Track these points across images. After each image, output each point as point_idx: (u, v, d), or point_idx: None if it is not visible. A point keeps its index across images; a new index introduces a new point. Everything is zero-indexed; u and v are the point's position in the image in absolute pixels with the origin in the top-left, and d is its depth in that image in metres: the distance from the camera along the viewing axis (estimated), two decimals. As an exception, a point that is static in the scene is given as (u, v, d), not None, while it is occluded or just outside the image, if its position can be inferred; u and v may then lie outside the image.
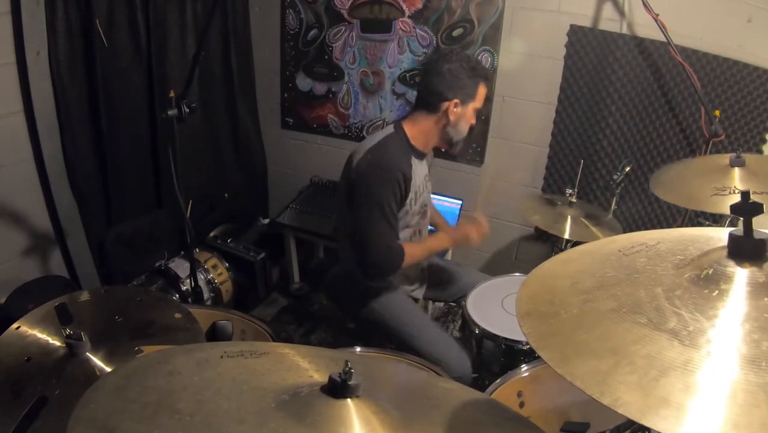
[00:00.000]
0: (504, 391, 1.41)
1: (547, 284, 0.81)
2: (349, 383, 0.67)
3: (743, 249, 0.69)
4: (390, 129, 1.84)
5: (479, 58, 2.70)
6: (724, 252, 0.71)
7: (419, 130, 1.81)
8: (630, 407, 0.55)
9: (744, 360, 0.58)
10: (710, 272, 0.69)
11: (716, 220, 2.17)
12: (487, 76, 1.84)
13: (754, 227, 0.69)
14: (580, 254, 0.88)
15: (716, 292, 0.66)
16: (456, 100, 1.74)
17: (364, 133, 3.13)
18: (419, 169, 1.84)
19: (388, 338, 1.85)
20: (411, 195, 1.79)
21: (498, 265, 3.02)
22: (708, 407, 0.55)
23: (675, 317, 0.65)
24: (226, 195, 3.31)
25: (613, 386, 0.58)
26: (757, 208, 0.68)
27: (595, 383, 0.59)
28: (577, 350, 0.65)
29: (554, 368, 0.63)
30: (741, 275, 0.67)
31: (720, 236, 0.79)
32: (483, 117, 2.81)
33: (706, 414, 0.54)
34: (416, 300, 2.07)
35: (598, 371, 0.61)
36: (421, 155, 1.85)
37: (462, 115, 1.77)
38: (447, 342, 1.84)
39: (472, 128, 1.86)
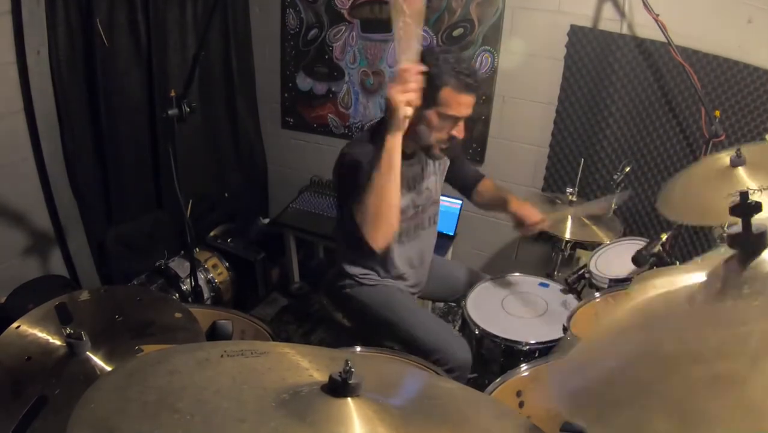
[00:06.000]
0: (504, 391, 1.41)
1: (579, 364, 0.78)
2: (350, 382, 0.67)
3: (745, 248, 0.69)
4: (367, 131, 1.84)
5: (479, 58, 2.70)
6: (723, 268, 0.71)
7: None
8: None
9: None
10: (718, 287, 0.68)
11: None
12: (462, 86, 1.60)
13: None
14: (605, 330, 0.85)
15: (729, 302, 0.66)
16: None
17: (364, 133, 3.14)
18: (403, 168, 1.69)
19: (387, 332, 1.85)
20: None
21: (498, 265, 3.03)
22: (745, 409, 0.53)
23: (695, 339, 0.63)
24: (226, 195, 3.32)
25: (648, 426, 0.57)
26: (756, 209, 0.68)
27: (632, 428, 0.59)
28: (608, 404, 0.64)
29: (593, 428, 0.62)
30: (747, 276, 0.67)
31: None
32: (483, 117, 2.81)
33: (746, 416, 0.53)
34: (413, 292, 2.06)
35: (631, 417, 0.60)
36: (404, 155, 1.66)
37: (423, 118, 1.63)
38: (445, 330, 1.84)
39: (452, 138, 1.68)
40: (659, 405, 0.59)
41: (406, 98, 1.42)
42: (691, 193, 1.58)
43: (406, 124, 1.48)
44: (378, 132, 1.71)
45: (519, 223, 1.88)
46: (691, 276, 0.80)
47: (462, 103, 1.63)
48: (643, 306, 0.80)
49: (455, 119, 1.66)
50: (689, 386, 0.58)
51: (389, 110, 1.45)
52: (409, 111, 1.45)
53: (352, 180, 1.63)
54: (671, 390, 0.59)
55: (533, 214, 1.85)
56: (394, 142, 1.49)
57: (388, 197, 1.54)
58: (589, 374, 0.72)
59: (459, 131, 1.68)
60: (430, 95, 1.60)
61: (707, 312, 0.67)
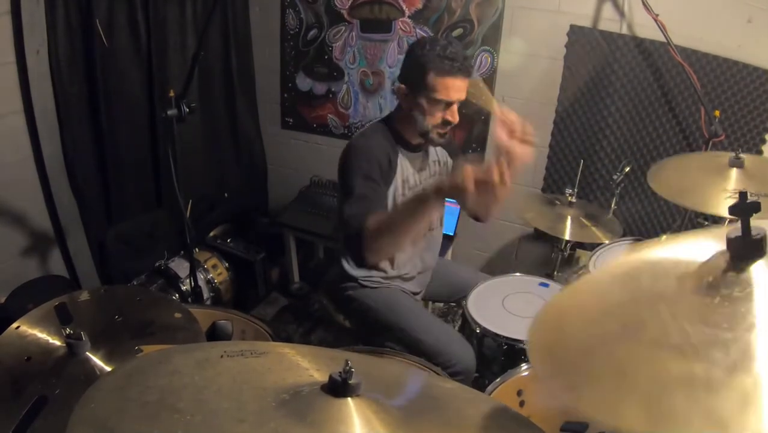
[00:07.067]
0: (504, 390, 1.41)
1: (557, 315, 0.81)
2: (350, 382, 0.67)
3: (742, 250, 0.68)
4: (378, 120, 1.85)
5: (479, 58, 2.70)
6: (725, 256, 0.70)
7: (402, 121, 1.78)
8: (635, 428, 0.56)
9: (750, 363, 0.57)
10: (710, 279, 0.68)
11: (716, 220, 2.17)
12: (446, 69, 1.60)
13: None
14: (589, 282, 0.89)
15: (717, 299, 0.65)
16: (402, 86, 1.70)
17: (364, 133, 3.14)
18: (409, 162, 1.80)
19: (390, 335, 1.84)
20: (397, 183, 1.75)
21: (498, 265, 3.03)
22: (712, 417, 0.54)
23: (678, 332, 0.64)
24: (225, 195, 3.31)
25: (617, 408, 0.58)
26: (755, 208, 0.68)
27: (602, 407, 0.60)
28: (584, 377, 0.66)
29: (564, 396, 0.64)
30: (741, 278, 0.67)
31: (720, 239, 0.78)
32: (483, 117, 2.81)
33: (711, 424, 0.54)
34: (416, 293, 2.05)
35: (604, 396, 0.61)
36: (410, 147, 1.80)
37: (415, 104, 1.67)
38: (450, 335, 1.83)
39: (447, 123, 1.68)
40: (633, 392, 0.60)
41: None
42: (683, 176, 1.63)
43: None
44: (390, 129, 1.76)
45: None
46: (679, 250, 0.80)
47: (449, 87, 1.63)
48: (631, 274, 0.81)
49: (445, 103, 1.66)
50: (665, 381, 0.59)
51: (457, 187, 1.30)
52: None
53: (359, 168, 1.62)
54: (648, 380, 0.60)
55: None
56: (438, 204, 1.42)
57: (411, 236, 1.54)
58: (570, 337, 0.73)
59: (453, 116, 1.69)
60: (417, 81, 1.65)
61: (694, 304, 0.67)
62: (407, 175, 1.80)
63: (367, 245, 1.47)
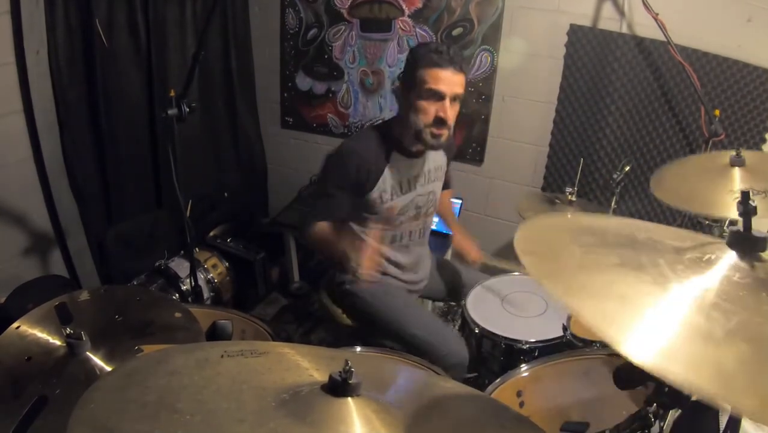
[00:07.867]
0: (504, 390, 1.41)
1: (546, 234, 0.81)
2: (350, 381, 0.67)
3: (743, 244, 0.70)
4: (374, 125, 1.89)
5: (479, 57, 2.70)
6: (723, 245, 0.72)
7: (401, 125, 1.78)
8: (637, 356, 0.56)
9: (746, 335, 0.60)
10: (712, 257, 0.70)
11: (716, 220, 2.17)
12: (435, 60, 1.64)
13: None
14: (578, 218, 0.89)
15: (718, 276, 0.68)
16: (399, 85, 1.79)
17: (364, 132, 3.14)
18: (404, 168, 1.81)
19: (385, 329, 1.85)
20: (384, 187, 1.77)
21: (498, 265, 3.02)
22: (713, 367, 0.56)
23: (678, 282, 0.66)
24: (225, 195, 3.31)
25: (622, 329, 0.59)
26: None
27: (605, 323, 0.60)
28: (582, 289, 0.66)
29: (560, 296, 0.63)
30: (741, 265, 0.69)
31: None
32: (483, 117, 2.81)
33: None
34: (414, 282, 2.07)
35: (606, 311, 0.62)
36: (408, 153, 1.81)
37: (410, 103, 1.70)
38: (442, 327, 1.86)
39: (440, 121, 1.69)
40: (640, 321, 0.61)
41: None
42: (686, 181, 1.62)
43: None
44: (387, 133, 1.81)
45: (458, 254, 2.06)
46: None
47: (440, 78, 1.65)
48: (627, 224, 0.83)
49: (437, 95, 1.66)
50: (672, 323, 0.60)
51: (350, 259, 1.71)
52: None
53: (335, 173, 1.76)
54: (655, 316, 0.61)
55: (471, 251, 2.05)
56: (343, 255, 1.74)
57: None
58: (564, 254, 0.74)
59: (445, 112, 1.68)
60: (410, 78, 1.70)
61: (693, 268, 0.69)
62: (398, 182, 1.81)
63: (307, 243, 1.85)
